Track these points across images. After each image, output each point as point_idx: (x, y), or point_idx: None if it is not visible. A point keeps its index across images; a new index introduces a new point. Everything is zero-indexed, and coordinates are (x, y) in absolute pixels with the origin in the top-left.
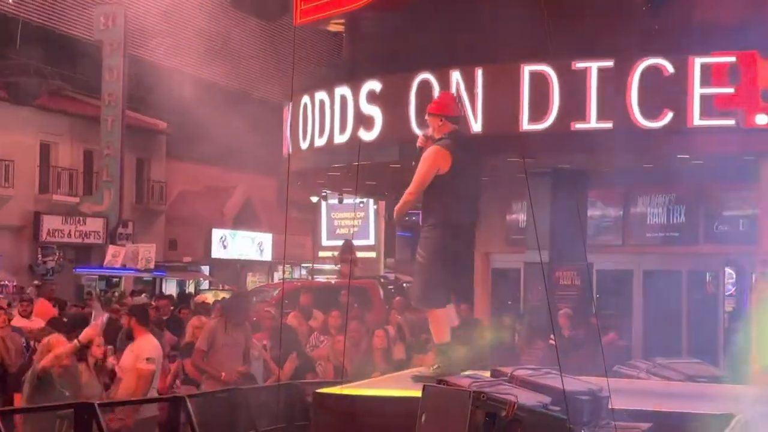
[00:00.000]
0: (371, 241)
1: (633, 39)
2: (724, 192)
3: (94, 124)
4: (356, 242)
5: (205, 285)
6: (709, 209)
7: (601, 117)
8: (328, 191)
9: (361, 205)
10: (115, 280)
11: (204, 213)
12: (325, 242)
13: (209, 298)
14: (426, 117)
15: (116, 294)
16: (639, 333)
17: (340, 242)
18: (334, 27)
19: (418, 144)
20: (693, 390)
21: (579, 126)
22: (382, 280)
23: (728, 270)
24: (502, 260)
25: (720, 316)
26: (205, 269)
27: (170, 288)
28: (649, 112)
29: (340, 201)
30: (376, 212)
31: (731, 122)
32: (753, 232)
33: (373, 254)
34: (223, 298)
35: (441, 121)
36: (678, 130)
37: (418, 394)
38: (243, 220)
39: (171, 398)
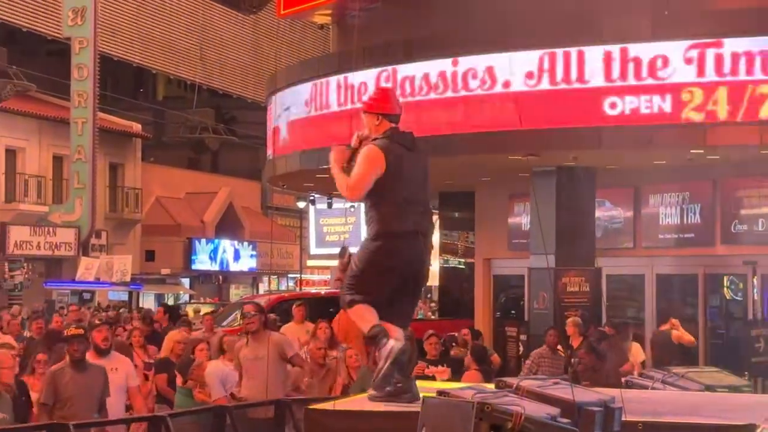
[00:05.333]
0: None
1: None
2: (741, 189)
3: (64, 127)
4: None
5: (185, 298)
6: (725, 208)
7: None
8: (316, 195)
9: (352, 209)
10: (87, 295)
11: (183, 221)
12: (313, 250)
13: (189, 312)
14: (362, 116)
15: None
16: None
17: (329, 250)
18: (320, 18)
19: (352, 144)
20: (711, 400)
21: None
22: None
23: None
24: (504, 266)
25: (745, 321)
26: (185, 282)
27: (147, 302)
28: None
29: (330, 206)
30: None
31: None
32: None
33: None
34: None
35: (378, 119)
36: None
37: (418, 409)
38: (225, 228)
39: (150, 418)
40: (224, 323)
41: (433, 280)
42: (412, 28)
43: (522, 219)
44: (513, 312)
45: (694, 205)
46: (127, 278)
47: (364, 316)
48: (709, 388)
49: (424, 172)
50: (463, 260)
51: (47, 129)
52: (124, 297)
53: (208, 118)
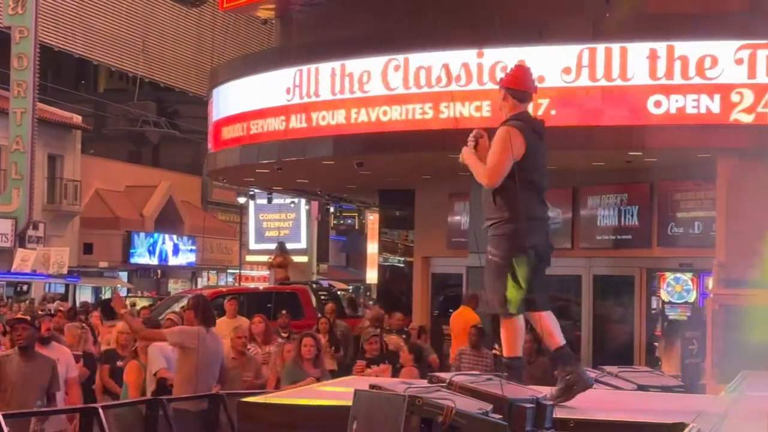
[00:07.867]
0: (303, 245)
1: None
2: (678, 192)
3: (2, 117)
4: (287, 246)
5: (122, 292)
6: (662, 210)
7: None
8: (256, 190)
9: (292, 205)
10: (24, 286)
11: (122, 214)
12: (253, 245)
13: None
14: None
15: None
16: (588, 341)
17: (269, 246)
18: (264, 13)
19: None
20: (644, 400)
21: None
22: (314, 286)
23: (677, 275)
24: (443, 265)
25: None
26: (123, 275)
27: (85, 295)
28: None
29: (269, 201)
30: (308, 213)
31: None
32: (709, 235)
33: (305, 259)
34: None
35: (503, 94)
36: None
37: (349, 403)
38: (164, 222)
39: (82, 409)
40: (161, 317)
41: (372, 278)
42: (368, 21)
43: (462, 218)
44: (451, 310)
45: (631, 207)
46: (64, 271)
47: (517, 337)
48: (641, 387)
49: (546, 160)
50: (402, 258)
51: None
52: (61, 289)
53: (150, 111)
